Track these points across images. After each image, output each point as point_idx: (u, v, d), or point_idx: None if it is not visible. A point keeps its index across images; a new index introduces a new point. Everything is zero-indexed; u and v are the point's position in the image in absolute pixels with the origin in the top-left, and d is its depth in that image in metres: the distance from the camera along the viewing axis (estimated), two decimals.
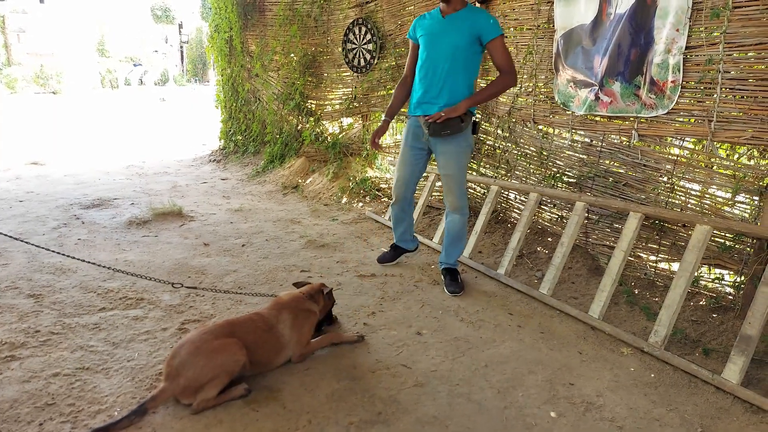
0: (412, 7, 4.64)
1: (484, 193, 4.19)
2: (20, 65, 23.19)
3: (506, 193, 4.05)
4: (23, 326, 2.47)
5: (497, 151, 4.05)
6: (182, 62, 26.19)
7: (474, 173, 4.26)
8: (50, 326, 2.51)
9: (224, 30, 6.64)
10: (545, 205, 3.76)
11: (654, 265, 3.00)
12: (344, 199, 5.09)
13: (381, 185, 5.14)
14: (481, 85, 4.06)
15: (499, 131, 3.99)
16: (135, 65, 25.08)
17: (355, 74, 5.29)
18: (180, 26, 26.19)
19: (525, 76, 3.69)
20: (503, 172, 3.97)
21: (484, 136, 4.19)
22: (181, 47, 26.04)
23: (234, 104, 6.94)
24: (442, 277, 3.19)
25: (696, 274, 2.61)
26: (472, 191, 4.36)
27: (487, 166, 4.17)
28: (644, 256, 3.07)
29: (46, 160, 7.16)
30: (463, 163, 2.94)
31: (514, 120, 3.84)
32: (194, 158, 7.54)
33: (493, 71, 3.90)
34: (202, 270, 3.36)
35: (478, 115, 3.34)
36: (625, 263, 2.74)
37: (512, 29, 3.76)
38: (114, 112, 14.36)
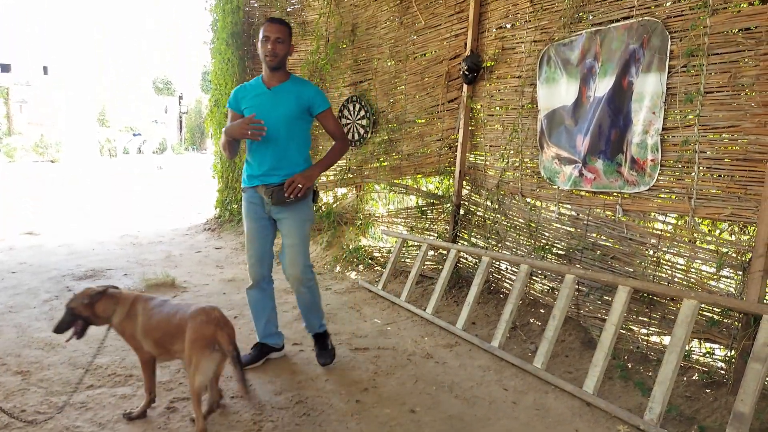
0: (403, 87, 4.89)
1: (476, 263, 4.25)
2: (21, 135, 23.70)
3: (498, 263, 4.10)
4: (8, 406, 2.41)
5: (487, 222, 4.15)
6: (181, 131, 26.89)
7: (465, 243, 4.33)
8: (36, 405, 2.46)
9: (223, 105, 6.91)
10: (537, 276, 3.80)
11: (646, 338, 3.02)
12: (338, 268, 5.12)
13: (374, 254, 5.19)
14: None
15: (489, 203, 4.11)
16: (134, 134, 25.71)
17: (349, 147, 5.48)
18: (180, 98, 27.14)
19: (512, 152, 3.84)
20: (494, 243, 4.04)
21: (475, 207, 4.30)
22: (180, 117, 26.84)
23: (230, 174, 7.10)
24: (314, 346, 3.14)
25: (687, 348, 2.62)
26: (464, 261, 4.41)
27: (478, 236, 4.25)
28: (635, 329, 3.08)
29: (41, 230, 7.19)
30: (305, 231, 2.85)
31: (502, 193, 3.96)
32: (189, 227, 7.59)
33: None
34: None
35: (316, 184, 3.37)
36: (617, 337, 2.75)
37: (498, 108, 3.96)
38: (111, 181, 14.56)
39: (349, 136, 5.37)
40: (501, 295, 4.04)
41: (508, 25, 3.84)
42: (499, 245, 3.99)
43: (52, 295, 4.17)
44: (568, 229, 3.45)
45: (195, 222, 7.83)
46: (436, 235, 4.67)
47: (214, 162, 7.43)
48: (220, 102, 6.92)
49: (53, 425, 2.28)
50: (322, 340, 3.12)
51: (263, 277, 3.03)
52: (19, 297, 4.11)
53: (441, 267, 4.35)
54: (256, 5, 6.46)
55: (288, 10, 6.05)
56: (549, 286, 3.70)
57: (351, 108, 5.31)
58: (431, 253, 4.68)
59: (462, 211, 4.40)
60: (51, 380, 2.73)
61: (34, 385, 2.67)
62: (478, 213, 4.28)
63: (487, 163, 4.15)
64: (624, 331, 3.10)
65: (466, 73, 4.09)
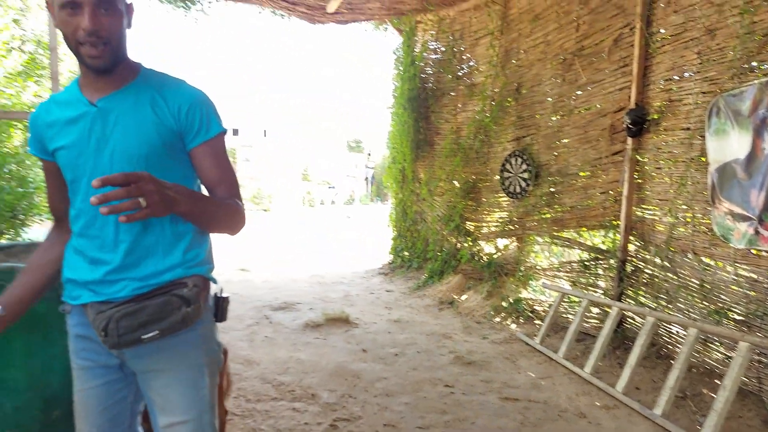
0: (566, 140, 4.93)
1: (641, 323, 4.00)
2: (243, 188, 28.38)
3: (669, 326, 3.81)
4: None
5: (656, 280, 3.91)
6: (368, 185, 29.54)
7: (632, 302, 4.11)
8: (232, 408, 3.08)
9: (399, 161, 7.65)
10: (712, 343, 3.45)
11: None
12: (497, 318, 5.21)
13: (535, 307, 5.17)
14: None
15: (657, 260, 3.88)
16: (329, 188, 29.02)
17: (511, 199, 5.62)
18: (369, 155, 30.00)
19: (681, 206, 3.63)
20: (663, 303, 3.78)
21: (642, 263, 4.09)
22: (368, 172, 29.56)
23: (403, 224, 7.73)
24: None
25: None
26: (631, 321, 4.18)
27: (647, 295, 4.01)
28: None
29: (251, 267, 8.61)
30: (204, 392, 1.39)
31: (672, 249, 3.73)
32: (366, 270, 8.37)
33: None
34: (358, 374, 3.75)
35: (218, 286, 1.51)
36: None
37: (666, 160, 3.79)
38: (308, 227, 16.61)
39: (510, 189, 5.53)
40: (671, 361, 3.72)
41: (675, 77, 3.71)
42: (669, 306, 3.73)
43: (253, 321, 5.06)
44: (746, 292, 3.11)
45: (372, 266, 8.58)
46: (600, 291, 4.51)
47: (390, 212, 8.17)
48: (397, 159, 7.67)
49: (243, 425, 2.85)
50: None
51: None
52: (229, 321, 5.06)
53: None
54: (430, 72, 7.12)
55: (459, 74, 6.56)
56: (726, 354, 3.32)
57: (513, 162, 5.49)
58: (595, 310, 4.52)
59: (629, 268, 4.21)
60: (246, 390, 3.37)
61: (233, 392, 3.33)
62: (646, 270, 4.05)
63: (655, 217, 3.95)
64: None
65: (630, 126, 4.02)
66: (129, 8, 1.30)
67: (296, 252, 10.96)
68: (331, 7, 6.44)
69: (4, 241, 3.04)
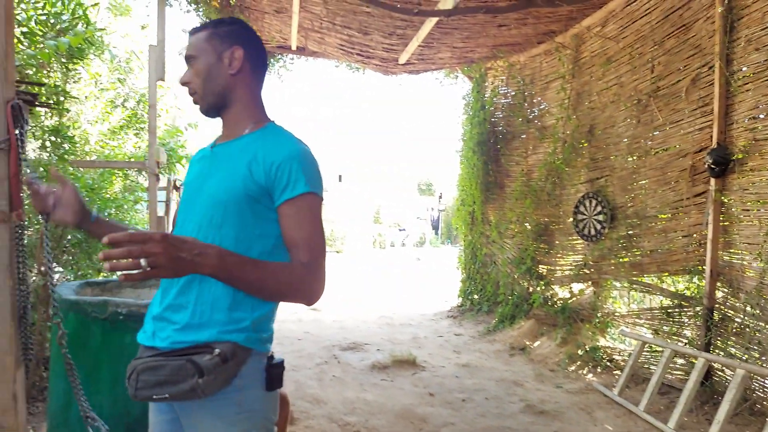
0: (643, 181, 4.77)
1: (731, 375, 3.68)
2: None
3: (762, 379, 3.49)
4: None
5: (747, 330, 3.62)
6: (438, 227, 29.53)
7: (720, 353, 3.81)
8: None
9: (468, 204, 7.66)
10: None
11: None
12: (571, 367, 4.98)
13: (613, 356, 4.90)
14: None
15: (749, 308, 3.60)
16: (400, 230, 29.27)
17: (585, 242, 5.45)
18: (440, 197, 30.12)
19: None
20: (756, 355, 3.48)
21: (732, 311, 3.80)
22: (439, 214, 29.61)
23: (472, 266, 7.65)
24: None
25: None
26: (721, 374, 3.86)
27: (737, 346, 3.71)
28: None
29: (322, 307, 8.81)
30: None
31: (765, 297, 3.45)
32: (435, 313, 8.30)
33: None
34: (424, 418, 3.71)
35: (270, 347, 1.38)
36: None
37: (754, 202, 3.58)
38: (378, 269, 16.76)
39: (585, 232, 5.37)
40: (766, 418, 3.38)
41: (761, 116, 3.54)
42: (762, 358, 3.42)
43: (322, 360, 5.16)
44: None
45: (440, 309, 8.50)
46: (685, 340, 4.22)
47: (459, 254, 8.13)
48: (466, 201, 7.70)
49: None
50: None
51: None
52: (300, 359, 5.20)
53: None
54: (500, 116, 7.18)
55: (529, 117, 6.57)
56: None
57: (587, 204, 5.36)
58: (680, 361, 4.22)
59: (716, 316, 3.93)
60: (313, 428, 3.43)
61: (300, 429, 3.40)
62: (735, 318, 3.77)
63: (744, 262, 3.69)
64: None
65: (713, 166, 3.85)
66: (226, 54, 1.35)
67: (366, 293, 11.08)
68: (403, 59, 6.73)
69: (99, 278, 3.38)
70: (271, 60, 7.22)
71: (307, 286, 1.24)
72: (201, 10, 5.61)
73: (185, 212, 1.37)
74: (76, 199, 1.42)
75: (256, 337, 1.29)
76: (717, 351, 3.86)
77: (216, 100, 1.37)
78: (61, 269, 4.25)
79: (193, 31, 1.38)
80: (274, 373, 1.32)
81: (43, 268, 3.87)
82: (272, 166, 1.27)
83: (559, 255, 5.99)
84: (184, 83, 1.37)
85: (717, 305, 3.94)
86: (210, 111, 1.39)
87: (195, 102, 1.38)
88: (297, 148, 1.31)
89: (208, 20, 1.49)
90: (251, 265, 1.19)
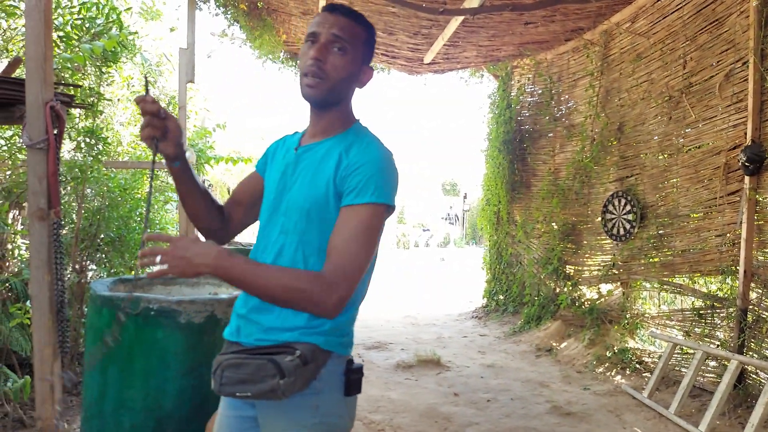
0: (675, 180, 4.66)
1: (766, 378, 3.58)
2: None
3: None
4: None
5: None
6: (463, 227, 29.33)
7: (755, 355, 3.70)
8: None
9: (494, 203, 7.60)
10: None
11: None
12: (599, 368, 4.89)
13: (643, 358, 4.80)
14: None
15: None
16: (424, 230, 29.16)
17: (614, 242, 5.36)
18: (464, 197, 29.90)
19: None
20: None
21: (767, 313, 3.69)
22: (463, 214, 29.41)
23: (497, 266, 7.58)
24: None
25: None
26: (755, 377, 3.75)
27: None
28: None
29: None
30: None
31: None
32: (460, 313, 8.26)
33: None
34: (449, 417, 3.70)
35: (353, 355, 1.39)
36: None
37: None
38: (402, 269, 16.76)
39: (614, 231, 5.27)
40: None
41: None
42: None
43: None
44: None
45: (465, 309, 8.46)
46: (718, 342, 4.11)
47: (484, 254, 8.07)
48: (491, 201, 7.63)
49: None
50: None
51: None
52: None
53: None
54: (527, 114, 7.10)
55: (557, 116, 6.49)
56: None
57: (616, 203, 5.26)
58: (712, 363, 4.11)
59: (750, 317, 3.82)
60: None
61: None
62: None
63: None
64: None
65: (747, 164, 3.74)
66: (366, 70, 1.36)
67: (390, 293, 11.10)
68: (428, 58, 6.72)
69: (130, 275, 3.47)
70: (298, 61, 7.28)
71: (316, 296, 1.16)
72: (229, 12, 5.70)
73: (270, 215, 1.36)
74: (180, 134, 1.37)
75: (337, 341, 1.28)
76: (751, 353, 3.75)
77: (333, 99, 1.32)
78: (94, 267, 4.38)
79: (344, 12, 1.31)
80: (353, 377, 1.30)
81: (78, 266, 4.00)
82: (348, 168, 1.25)
83: (587, 255, 5.90)
84: (318, 58, 1.26)
85: (751, 306, 3.83)
86: (318, 102, 1.32)
87: (309, 85, 1.28)
88: (376, 154, 1.28)
89: (353, 8, 1.40)
90: (253, 267, 1.19)
